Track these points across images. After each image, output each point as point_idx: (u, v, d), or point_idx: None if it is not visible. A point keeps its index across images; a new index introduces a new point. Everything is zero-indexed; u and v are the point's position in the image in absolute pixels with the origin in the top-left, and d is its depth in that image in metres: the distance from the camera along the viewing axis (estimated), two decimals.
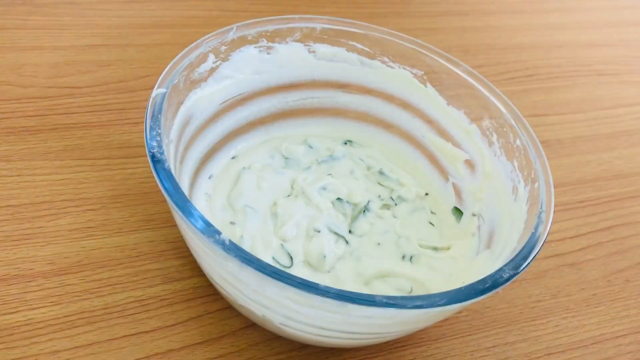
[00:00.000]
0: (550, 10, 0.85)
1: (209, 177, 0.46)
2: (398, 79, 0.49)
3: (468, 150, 0.48)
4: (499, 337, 0.45)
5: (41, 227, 0.44)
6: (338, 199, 0.45)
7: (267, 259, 0.41)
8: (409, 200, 0.48)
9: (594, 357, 0.45)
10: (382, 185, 0.49)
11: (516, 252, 0.37)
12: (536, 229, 0.38)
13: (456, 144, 0.49)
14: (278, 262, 0.42)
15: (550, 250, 0.52)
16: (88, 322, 0.39)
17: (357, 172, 0.49)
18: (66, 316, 0.39)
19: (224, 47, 0.44)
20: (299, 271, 0.41)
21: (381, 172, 0.49)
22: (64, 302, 0.40)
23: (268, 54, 0.47)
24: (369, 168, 0.50)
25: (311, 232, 0.43)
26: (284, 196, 0.45)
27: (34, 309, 0.39)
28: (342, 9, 0.74)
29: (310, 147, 0.50)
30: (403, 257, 0.44)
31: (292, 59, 0.48)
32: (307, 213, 0.44)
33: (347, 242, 0.44)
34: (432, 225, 0.48)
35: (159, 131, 0.37)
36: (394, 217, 0.47)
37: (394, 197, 0.48)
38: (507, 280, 0.35)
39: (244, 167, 0.47)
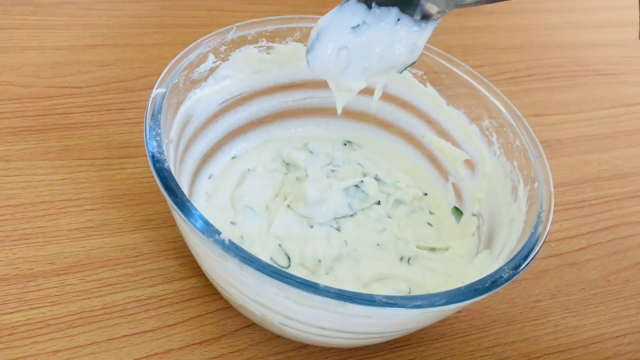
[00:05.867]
0: (550, 10, 0.85)
1: (209, 177, 0.46)
2: (398, 79, 0.49)
3: (468, 150, 0.48)
4: (498, 337, 0.45)
5: (41, 227, 0.44)
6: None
7: (264, 259, 0.41)
8: (406, 202, 0.48)
9: (594, 357, 0.45)
10: (379, 191, 0.49)
11: (516, 252, 0.37)
12: (536, 228, 0.38)
13: (456, 144, 0.49)
14: (276, 263, 0.42)
15: (550, 250, 0.52)
16: (88, 322, 0.39)
17: (355, 179, 0.48)
18: (66, 316, 0.39)
19: (223, 47, 0.44)
20: (297, 272, 0.41)
21: (377, 178, 0.49)
22: (63, 302, 0.40)
23: (268, 53, 0.47)
24: (365, 175, 0.49)
25: (304, 227, 0.43)
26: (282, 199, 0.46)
27: (33, 308, 0.39)
28: None
29: (311, 152, 0.49)
30: (401, 258, 0.44)
31: (292, 59, 0.48)
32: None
33: (346, 242, 0.44)
34: (430, 225, 0.48)
35: (159, 131, 0.37)
36: (392, 218, 0.47)
37: (390, 202, 0.48)
38: (507, 280, 0.35)
39: (249, 169, 0.47)
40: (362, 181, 0.46)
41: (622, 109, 0.69)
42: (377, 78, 0.43)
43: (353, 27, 0.39)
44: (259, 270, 0.31)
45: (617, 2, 0.91)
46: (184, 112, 0.42)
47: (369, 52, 0.40)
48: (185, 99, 0.42)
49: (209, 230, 0.32)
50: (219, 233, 0.32)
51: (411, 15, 0.39)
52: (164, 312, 0.41)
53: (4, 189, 0.45)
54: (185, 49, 0.42)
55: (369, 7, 0.39)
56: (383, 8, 0.39)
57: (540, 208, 0.39)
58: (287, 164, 0.48)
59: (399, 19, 0.39)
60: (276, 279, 0.31)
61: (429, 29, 0.40)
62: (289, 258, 0.42)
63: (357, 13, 0.39)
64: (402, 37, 0.40)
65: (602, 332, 0.47)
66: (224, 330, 0.41)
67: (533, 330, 0.46)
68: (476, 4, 0.39)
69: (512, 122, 0.45)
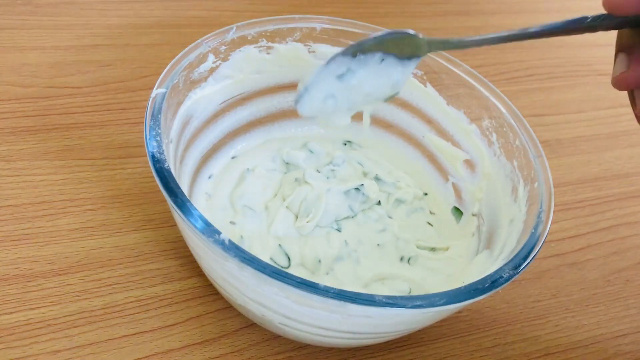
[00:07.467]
0: (550, 10, 0.85)
1: (209, 177, 0.46)
2: None
3: (468, 150, 0.48)
4: (498, 337, 0.45)
5: (41, 227, 0.44)
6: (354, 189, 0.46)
7: (264, 259, 0.41)
8: (407, 201, 0.48)
9: (593, 357, 0.45)
10: (380, 190, 0.49)
11: (516, 252, 0.37)
12: (536, 228, 0.38)
13: (456, 144, 0.49)
14: (276, 263, 0.42)
15: (550, 250, 0.52)
16: (88, 322, 0.39)
17: (355, 182, 0.48)
18: (66, 316, 0.39)
19: (223, 47, 0.44)
20: (297, 272, 0.41)
21: (377, 178, 0.49)
22: (63, 302, 0.40)
23: (268, 53, 0.47)
24: (365, 174, 0.49)
25: (303, 224, 0.43)
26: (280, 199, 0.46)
27: (33, 309, 0.39)
28: (342, 9, 0.74)
29: (311, 152, 0.49)
30: (401, 258, 0.44)
31: (292, 59, 0.48)
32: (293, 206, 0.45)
33: (346, 242, 0.44)
34: (431, 225, 0.48)
35: (159, 131, 0.37)
36: (392, 218, 0.47)
37: (391, 201, 0.48)
38: (507, 280, 0.35)
39: (248, 169, 0.47)
40: (363, 184, 0.46)
41: (622, 109, 0.69)
42: (363, 108, 0.46)
43: (338, 76, 0.40)
44: (259, 270, 0.31)
45: None
46: (184, 112, 0.42)
47: (354, 93, 0.41)
48: (185, 99, 0.42)
49: (209, 230, 0.32)
50: (219, 233, 0.32)
51: (394, 54, 0.40)
52: (164, 312, 0.41)
53: (4, 189, 0.45)
54: (185, 49, 0.42)
55: (354, 56, 0.40)
56: (368, 54, 0.40)
57: (540, 208, 0.39)
58: (287, 163, 0.48)
59: (383, 59, 0.40)
60: (276, 279, 0.31)
61: (411, 65, 0.41)
62: (288, 258, 0.42)
63: (342, 63, 0.40)
64: (387, 75, 0.41)
65: (602, 332, 0.47)
66: (224, 330, 0.41)
67: (533, 330, 0.46)
68: (461, 47, 0.39)
69: (512, 122, 0.45)
